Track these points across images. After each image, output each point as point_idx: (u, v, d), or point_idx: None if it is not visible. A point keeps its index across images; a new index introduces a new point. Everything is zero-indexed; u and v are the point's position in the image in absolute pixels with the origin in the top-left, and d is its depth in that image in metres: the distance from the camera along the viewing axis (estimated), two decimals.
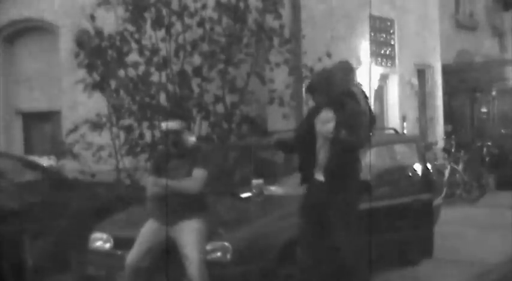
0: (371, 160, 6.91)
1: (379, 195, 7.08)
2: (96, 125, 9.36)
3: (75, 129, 9.48)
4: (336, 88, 6.05)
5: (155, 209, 6.11)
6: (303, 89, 9.94)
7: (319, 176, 5.95)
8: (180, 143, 6.07)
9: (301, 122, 6.32)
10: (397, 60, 14.37)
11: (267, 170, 7.62)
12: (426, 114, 15.69)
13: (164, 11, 9.19)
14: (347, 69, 6.57)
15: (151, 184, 6.08)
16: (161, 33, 9.24)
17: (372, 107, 7.37)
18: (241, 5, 9.28)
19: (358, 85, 7.30)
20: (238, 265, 5.93)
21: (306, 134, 6.06)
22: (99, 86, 9.31)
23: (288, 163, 7.56)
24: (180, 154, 6.08)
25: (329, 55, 9.86)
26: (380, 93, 14.18)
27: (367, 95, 7.27)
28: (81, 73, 9.46)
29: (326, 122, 5.93)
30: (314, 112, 6.12)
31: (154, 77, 9.26)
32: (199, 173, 5.98)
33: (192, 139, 6.27)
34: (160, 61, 9.21)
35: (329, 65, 9.61)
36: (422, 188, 8.18)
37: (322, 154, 5.96)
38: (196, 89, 9.31)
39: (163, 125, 6.11)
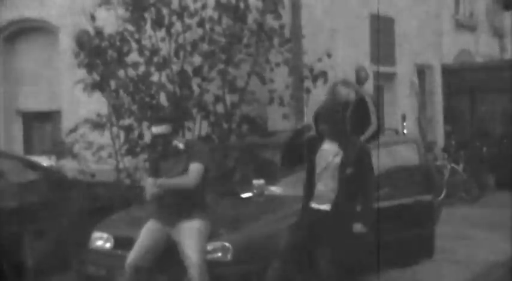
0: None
1: (379, 196, 7.08)
2: (96, 125, 9.36)
3: (75, 129, 9.48)
4: (343, 121, 5.96)
5: (156, 209, 6.12)
6: (303, 90, 9.96)
7: (322, 206, 5.89)
8: (168, 147, 6.13)
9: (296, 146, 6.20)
10: (397, 60, 14.38)
11: (268, 170, 7.62)
12: (426, 114, 15.71)
13: (164, 11, 9.19)
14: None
15: (150, 185, 6.08)
16: (161, 33, 9.24)
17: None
18: (241, 5, 9.27)
19: (369, 94, 7.33)
20: (239, 265, 5.93)
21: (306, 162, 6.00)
22: (99, 86, 9.32)
23: None
24: (174, 153, 6.11)
25: (329, 55, 9.88)
26: (380, 93, 14.19)
27: (376, 103, 7.32)
28: (81, 73, 9.46)
29: (331, 155, 5.87)
30: (316, 141, 6.02)
31: (154, 77, 9.26)
32: (195, 167, 6.00)
33: (180, 144, 6.25)
34: (160, 61, 9.21)
35: (330, 66, 9.73)
36: (423, 188, 8.18)
37: (322, 183, 5.90)
38: (196, 89, 9.30)
39: (152, 130, 6.17)
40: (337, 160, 5.83)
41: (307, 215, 5.92)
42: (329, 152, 5.88)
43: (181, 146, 6.21)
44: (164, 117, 6.71)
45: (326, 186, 5.88)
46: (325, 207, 5.87)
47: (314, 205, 5.90)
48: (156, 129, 6.09)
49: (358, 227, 5.76)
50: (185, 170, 6.02)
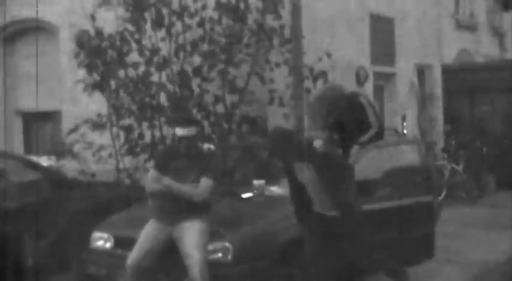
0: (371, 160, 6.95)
1: (380, 196, 7.08)
2: (96, 125, 9.37)
3: (75, 129, 9.49)
4: (290, 147, 5.72)
5: (157, 208, 6.11)
6: (303, 90, 9.97)
7: (328, 212, 5.80)
8: (193, 149, 6.09)
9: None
10: (397, 60, 14.39)
11: (268, 170, 7.62)
12: (426, 114, 15.70)
13: (164, 11, 9.20)
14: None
15: (151, 179, 6.05)
16: (161, 33, 9.25)
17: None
18: (241, 5, 9.28)
19: (365, 95, 7.32)
20: (239, 266, 5.93)
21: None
22: (99, 86, 9.33)
23: None
24: (189, 155, 6.07)
25: (329, 55, 9.89)
26: (380, 93, 14.20)
27: (373, 103, 7.32)
28: (81, 73, 9.48)
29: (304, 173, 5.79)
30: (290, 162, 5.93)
31: (154, 77, 9.27)
32: (207, 183, 5.97)
33: (211, 146, 6.28)
34: (161, 61, 9.22)
35: (329, 66, 9.74)
36: (423, 189, 8.16)
37: (315, 190, 5.81)
38: (196, 89, 9.31)
39: (177, 131, 6.10)
40: (310, 175, 5.70)
41: (315, 222, 5.88)
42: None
43: (212, 147, 6.19)
44: (191, 119, 6.64)
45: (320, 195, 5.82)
46: (329, 212, 5.86)
47: (326, 212, 5.81)
48: (183, 131, 6.04)
49: (317, 143, 5.63)
50: (196, 179, 5.99)
